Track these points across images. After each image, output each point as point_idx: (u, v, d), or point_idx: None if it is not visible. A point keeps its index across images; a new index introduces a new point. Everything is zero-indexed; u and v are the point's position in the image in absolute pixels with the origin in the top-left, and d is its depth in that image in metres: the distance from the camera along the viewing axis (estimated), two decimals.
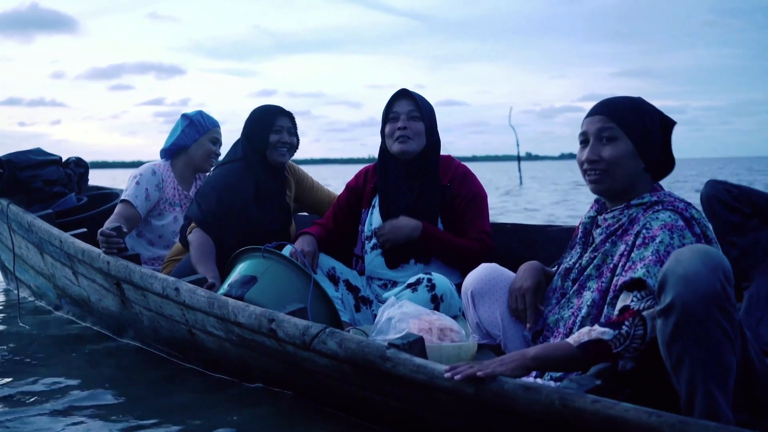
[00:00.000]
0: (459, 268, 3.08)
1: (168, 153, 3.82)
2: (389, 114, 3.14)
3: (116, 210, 3.63)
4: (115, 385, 2.88)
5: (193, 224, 3.31)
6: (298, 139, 3.49)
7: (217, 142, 3.82)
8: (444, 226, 3.12)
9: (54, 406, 2.64)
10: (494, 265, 2.43)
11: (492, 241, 3.13)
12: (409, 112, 3.10)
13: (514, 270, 2.43)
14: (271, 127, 3.38)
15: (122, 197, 3.66)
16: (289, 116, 3.45)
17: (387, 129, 3.14)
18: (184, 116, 3.80)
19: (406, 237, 3.04)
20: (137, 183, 3.66)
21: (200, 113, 3.81)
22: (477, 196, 3.14)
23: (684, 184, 21.35)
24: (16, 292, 4.49)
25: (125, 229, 3.37)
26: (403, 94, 3.15)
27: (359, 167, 3.49)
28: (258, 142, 3.39)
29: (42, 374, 3.04)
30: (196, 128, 3.76)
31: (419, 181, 3.12)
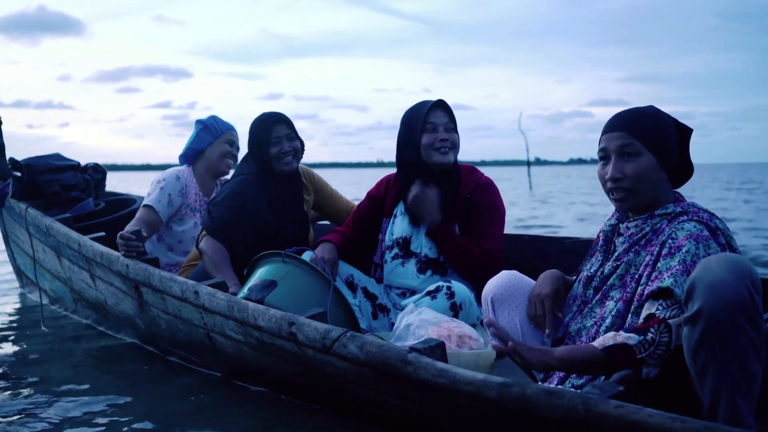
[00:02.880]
0: (464, 275, 3.08)
1: (186, 158, 3.85)
2: (425, 124, 3.14)
3: (138, 214, 3.66)
4: (128, 392, 2.91)
5: (203, 232, 3.33)
6: (301, 142, 3.49)
7: (233, 144, 3.85)
8: (460, 233, 3.12)
9: (68, 413, 2.66)
10: (514, 273, 2.44)
11: (501, 255, 3.12)
12: (446, 124, 3.14)
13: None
14: (268, 140, 3.39)
15: (145, 202, 3.69)
16: (286, 122, 3.44)
17: (425, 139, 3.12)
18: (199, 121, 3.84)
19: (429, 216, 3.05)
20: (161, 188, 3.69)
21: (214, 118, 3.85)
22: (495, 208, 3.14)
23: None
24: (36, 296, 4.52)
25: (145, 234, 3.40)
26: (439, 105, 3.17)
27: (368, 171, 3.50)
28: (261, 157, 3.42)
29: (61, 380, 3.08)
30: (211, 132, 3.80)
31: (445, 190, 3.14)
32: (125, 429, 2.46)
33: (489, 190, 3.16)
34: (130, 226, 3.50)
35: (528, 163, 29.54)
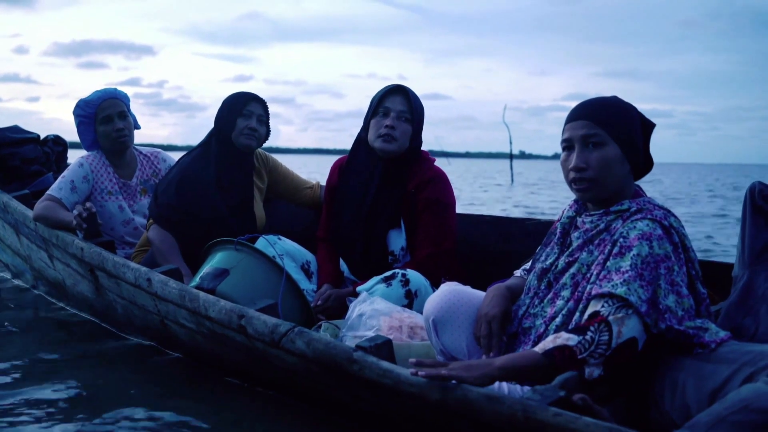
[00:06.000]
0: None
1: (89, 148, 3.68)
2: (379, 107, 3.02)
3: (41, 205, 3.48)
4: (83, 372, 2.88)
5: (150, 220, 3.26)
6: (268, 129, 3.39)
7: (111, 118, 3.55)
8: (406, 231, 3.05)
9: (17, 390, 2.63)
10: (455, 289, 2.29)
11: (449, 248, 3.01)
12: (400, 112, 2.99)
13: (491, 270, 2.36)
14: (240, 111, 3.27)
15: (48, 192, 3.53)
16: (262, 104, 3.34)
17: (373, 122, 3.03)
18: (74, 115, 3.62)
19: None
20: (63, 177, 3.55)
21: (79, 105, 3.59)
22: (438, 201, 3.01)
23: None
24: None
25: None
26: (397, 90, 3.03)
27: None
28: (225, 126, 3.28)
29: (12, 356, 3.04)
30: (86, 124, 3.59)
31: (387, 184, 3.04)
32: (81, 406, 2.44)
33: (434, 183, 3.03)
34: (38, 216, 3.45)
35: (511, 156, 29.29)
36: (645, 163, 2.14)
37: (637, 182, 2.15)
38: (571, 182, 2.07)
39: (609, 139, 2.01)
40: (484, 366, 1.87)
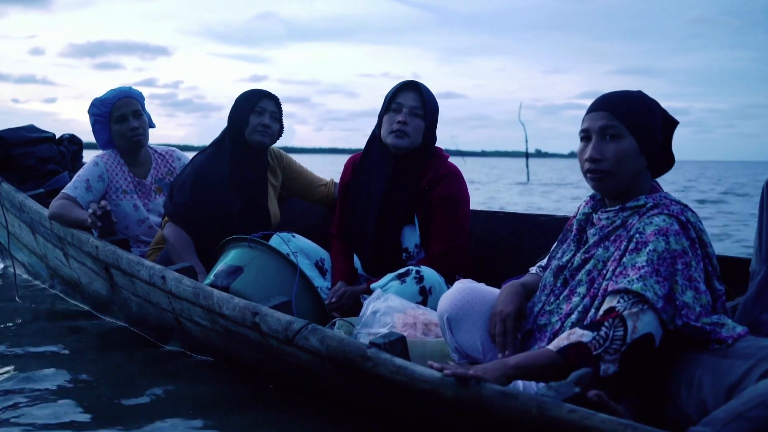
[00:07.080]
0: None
1: (104, 147, 3.69)
2: (392, 103, 3.03)
3: (56, 204, 3.49)
4: (100, 368, 2.91)
5: (166, 218, 3.27)
6: (281, 126, 3.38)
7: (125, 117, 3.55)
8: (420, 228, 3.04)
9: (37, 392, 2.64)
10: (470, 286, 2.28)
11: (463, 244, 3.03)
12: (412, 108, 2.99)
13: (503, 266, 2.35)
14: (252, 107, 3.27)
15: (63, 190, 3.54)
16: (275, 100, 3.34)
17: (386, 117, 3.04)
18: (89, 114, 3.63)
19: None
20: (78, 175, 3.55)
21: (94, 105, 3.59)
22: (452, 198, 3.01)
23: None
24: (12, 268, 4.50)
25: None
26: (410, 86, 3.03)
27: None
28: (238, 124, 3.28)
29: (32, 354, 3.06)
30: (101, 123, 3.59)
31: (400, 180, 3.04)
32: (88, 406, 2.45)
33: (447, 180, 3.03)
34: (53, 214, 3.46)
35: (527, 155, 29.39)
36: (665, 161, 2.12)
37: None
38: (585, 173, 2.07)
39: (626, 132, 2.00)
40: (500, 367, 1.86)
